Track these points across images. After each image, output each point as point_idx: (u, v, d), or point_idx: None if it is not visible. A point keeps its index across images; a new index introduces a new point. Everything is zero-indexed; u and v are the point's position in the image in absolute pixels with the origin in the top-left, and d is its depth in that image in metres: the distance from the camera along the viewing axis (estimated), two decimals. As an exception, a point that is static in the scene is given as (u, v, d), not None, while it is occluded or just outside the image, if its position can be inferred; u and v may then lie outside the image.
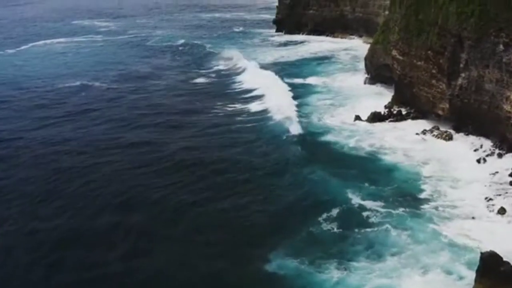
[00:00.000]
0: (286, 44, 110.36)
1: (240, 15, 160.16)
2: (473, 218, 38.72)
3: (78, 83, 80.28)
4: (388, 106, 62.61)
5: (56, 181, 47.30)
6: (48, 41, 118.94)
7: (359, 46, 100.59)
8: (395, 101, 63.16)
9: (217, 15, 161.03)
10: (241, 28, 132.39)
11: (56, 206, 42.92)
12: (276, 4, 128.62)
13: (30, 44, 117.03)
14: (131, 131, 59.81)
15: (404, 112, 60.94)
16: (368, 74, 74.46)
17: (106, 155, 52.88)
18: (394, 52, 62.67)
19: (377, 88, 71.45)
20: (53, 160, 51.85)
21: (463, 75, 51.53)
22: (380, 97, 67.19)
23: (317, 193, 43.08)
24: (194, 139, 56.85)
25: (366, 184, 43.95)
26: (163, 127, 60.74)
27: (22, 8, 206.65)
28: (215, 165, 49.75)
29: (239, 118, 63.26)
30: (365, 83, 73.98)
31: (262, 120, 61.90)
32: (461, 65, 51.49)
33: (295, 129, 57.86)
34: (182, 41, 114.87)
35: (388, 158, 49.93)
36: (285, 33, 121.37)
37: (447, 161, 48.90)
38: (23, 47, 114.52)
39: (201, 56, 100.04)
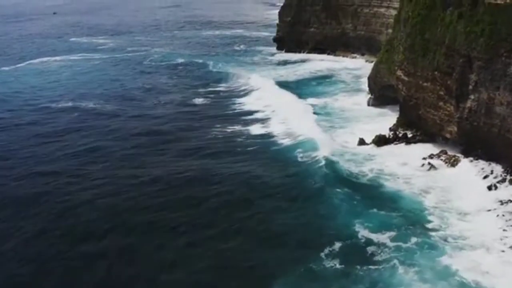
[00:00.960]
0: (286, 62, 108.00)
1: (240, 32, 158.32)
2: (484, 251, 36.28)
3: (70, 103, 77.91)
4: (393, 129, 60.13)
5: (33, 204, 45.71)
6: (44, 59, 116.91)
7: (361, 65, 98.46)
8: (400, 123, 60.71)
9: (217, 32, 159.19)
10: (241, 46, 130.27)
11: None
12: (276, 21, 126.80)
13: (26, 62, 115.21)
14: (121, 155, 57.48)
15: (410, 135, 58.46)
16: (371, 95, 71.98)
17: (91, 177, 51.10)
18: (399, 73, 60.28)
19: (381, 109, 68.97)
20: (31, 182, 50.43)
21: (472, 97, 49.14)
22: (384, 119, 64.82)
23: (319, 224, 40.55)
24: (186, 161, 54.81)
25: (372, 214, 41.44)
26: (157, 150, 58.25)
27: (22, 25, 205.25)
28: (213, 187, 47.92)
29: (239, 140, 60.91)
30: (368, 104, 71.49)
31: (262, 144, 59.52)
32: (470, 87, 49.11)
33: (295, 153, 55.43)
34: (181, 59, 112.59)
35: (393, 185, 47.41)
36: (285, 51, 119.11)
37: (456, 188, 46.50)
38: (19, 65, 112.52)
39: (200, 75, 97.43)
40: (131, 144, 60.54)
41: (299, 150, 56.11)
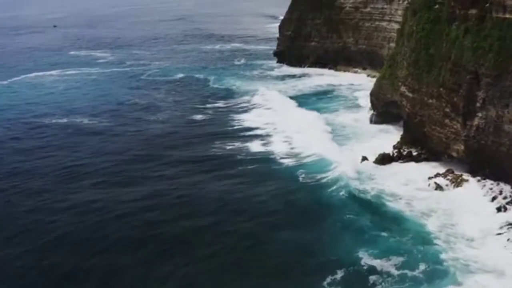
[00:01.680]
0: (286, 77, 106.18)
1: (240, 46, 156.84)
2: (496, 276, 34.33)
3: (65, 119, 75.95)
4: (397, 147, 58.07)
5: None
6: (40, 73, 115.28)
7: (363, 80, 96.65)
8: (405, 141, 58.73)
9: (217, 46, 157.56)
10: (241, 60, 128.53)
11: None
12: (277, 35, 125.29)
13: (22, 76, 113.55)
14: (114, 173, 55.65)
15: (414, 153, 56.40)
16: (374, 111, 69.96)
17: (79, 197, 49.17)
18: (403, 89, 58.44)
19: (384, 126, 66.99)
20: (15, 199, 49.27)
21: (480, 114, 47.34)
22: (387, 136, 62.98)
23: (322, 250, 38.45)
24: (183, 180, 52.97)
25: (376, 239, 39.49)
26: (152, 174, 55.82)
27: (21, 38, 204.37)
28: (211, 209, 46.09)
29: (238, 158, 58.96)
30: (371, 120, 69.49)
31: (262, 162, 57.51)
32: (478, 104, 47.29)
33: (297, 172, 53.47)
34: (180, 74, 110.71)
35: (398, 206, 45.47)
36: (286, 65, 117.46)
37: (464, 210, 44.58)
38: (14, 79, 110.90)
39: (200, 91, 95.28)
40: (125, 163, 58.76)
41: (300, 169, 54.22)
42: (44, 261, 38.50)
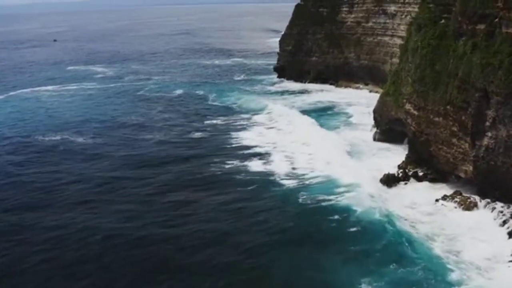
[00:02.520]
0: (287, 93, 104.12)
1: (240, 61, 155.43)
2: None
3: (58, 137, 73.31)
4: (402, 167, 55.74)
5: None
6: (36, 89, 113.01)
7: (365, 95, 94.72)
8: (410, 160, 56.43)
9: (216, 61, 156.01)
10: (242, 76, 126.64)
11: None
12: (277, 50, 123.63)
13: (18, 91, 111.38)
14: (105, 194, 53.14)
15: (420, 173, 54.07)
16: (377, 128, 67.74)
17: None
18: (408, 106, 56.32)
19: (388, 144, 64.69)
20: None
21: (489, 134, 45.15)
22: (391, 155, 60.69)
23: (322, 280, 35.96)
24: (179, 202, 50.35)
25: (382, 268, 36.98)
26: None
27: (20, 52, 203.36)
28: (208, 232, 43.74)
29: (238, 177, 56.50)
30: (374, 138, 67.27)
31: (262, 182, 55.03)
32: (488, 123, 45.12)
33: (298, 194, 51.08)
34: (179, 90, 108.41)
35: (404, 231, 42.96)
36: (286, 80, 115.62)
37: (474, 235, 42.39)
38: (11, 93, 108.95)
39: (198, 107, 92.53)
40: (118, 182, 56.36)
41: (302, 191, 51.85)
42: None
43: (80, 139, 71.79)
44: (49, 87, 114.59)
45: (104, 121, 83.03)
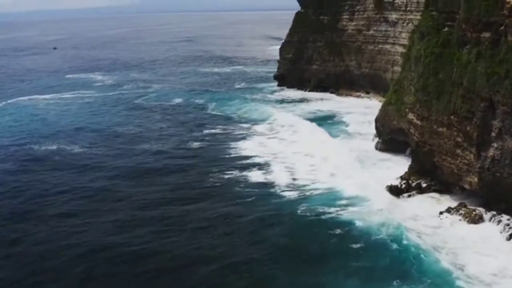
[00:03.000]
0: (287, 101, 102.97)
1: (241, 68, 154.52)
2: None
3: (54, 146, 71.75)
4: (405, 178, 54.42)
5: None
6: (33, 97, 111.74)
7: (366, 104, 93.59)
8: (413, 171, 55.12)
9: (216, 69, 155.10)
10: (242, 84, 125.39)
11: None
12: (277, 58, 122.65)
13: (15, 99, 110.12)
14: (100, 205, 51.85)
15: (423, 184, 52.77)
16: (379, 138, 66.49)
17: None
18: (411, 116, 55.14)
19: (390, 154, 63.34)
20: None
21: (495, 145, 43.98)
22: (393, 165, 59.28)
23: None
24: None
25: (387, 286, 35.46)
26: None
27: (20, 60, 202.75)
28: (205, 247, 42.08)
29: (236, 189, 55.05)
30: (376, 148, 66.01)
31: (261, 194, 53.57)
32: (493, 134, 43.95)
33: (298, 206, 49.69)
34: (178, 99, 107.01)
35: (408, 244, 41.42)
36: (287, 89, 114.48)
37: (479, 249, 41.02)
38: (8, 101, 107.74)
39: (198, 116, 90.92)
40: (113, 192, 55.04)
41: (302, 202, 50.49)
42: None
43: (75, 149, 70.24)
44: (47, 95, 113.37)
45: (100, 130, 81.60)
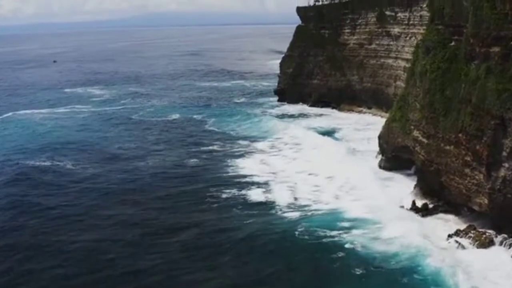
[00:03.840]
0: (288, 116, 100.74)
1: (241, 83, 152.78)
2: None
3: (48, 162, 69.55)
4: (411, 198, 52.03)
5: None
6: (29, 111, 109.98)
7: (368, 120, 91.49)
8: (419, 191, 52.78)
9: (216, 83, 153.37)
10: (242, 99, 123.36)
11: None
12: (277, 72, 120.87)
13: (11, 113, 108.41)
14: (92, 226, 49.63)
15: (430, 205, 50.44)
16: (382, 156, 64.22)
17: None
18: (416, 133, 53.03)
19: (394, 173, 61.01)
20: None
21: (506, 165, 42.05)
22: (398, 185, 56.97)
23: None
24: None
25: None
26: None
27: (18, 74, 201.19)
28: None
29: (235, 211, 52.49)
30: (380, 166, 63.74)
31: (261, 216, 51.11)
32: (504, 153, 42.00)
33: (298, 227, 47.36)
34: (175, 114, 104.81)
35: (417, 270, 39.21)
36: (287, 104, 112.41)
37: (491, 276, 38.65)
38: (4, 116, 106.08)
39: (195, 133, 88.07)
40: (107, 210, 52.96)
41: (301, 223, 48.22)
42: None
43: (69, 165, 68.07)
44: (42, 110, 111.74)
45: (94, 147, 79.53)
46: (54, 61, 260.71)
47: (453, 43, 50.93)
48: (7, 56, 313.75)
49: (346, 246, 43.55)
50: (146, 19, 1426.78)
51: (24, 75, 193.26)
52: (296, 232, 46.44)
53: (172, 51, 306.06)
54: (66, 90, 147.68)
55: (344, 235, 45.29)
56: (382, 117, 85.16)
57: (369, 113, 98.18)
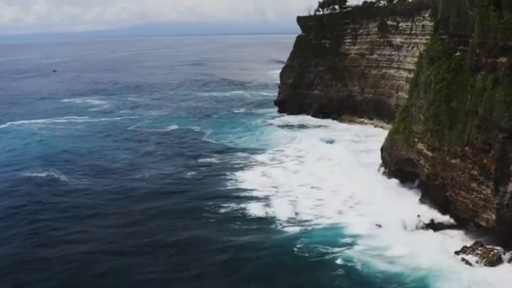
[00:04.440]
0: (288, 128, 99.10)
1: (241, 93, 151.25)
2: None
3: (44, 174, 68.08)
4: (415, 213, 50.35)
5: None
6: (26, 121, 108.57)
7: (369, 132, 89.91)
8: (424, 206, 51.16)
9: (215, 93, 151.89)
10: (241, 109, 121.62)
11: None
12: (277, 81, 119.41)
13: (8, 123, 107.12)
14: (85, 243, 47.92)
15: (435, 220, 48.78)
16: (385, 168, 62.58)
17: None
18: (420, 146, 51.50)
19: (397, 186, 59.28)
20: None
21: (515, 180, 40.17)
22: (402, 199, 55.20)
23: None
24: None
25: None
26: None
27: (17, 84, 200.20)
28: None
29: (233, 226, 50.93)
30: (382, 179, 61.97)
31: (261, 231, 49.60)
32: (513, 168, 40.19)
33: (298, 242, 45.96)
34: (173, 125, 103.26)
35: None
36: (287, 115, 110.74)
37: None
38: (1, 126, 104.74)
39: (193, 145, 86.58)
40: (101, 225, 51.49)
41: (302, 238, 46.79)
42: None
43: (64, 178, 66.55)
44: (40, 120, 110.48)
45: (90, 158, 78.11)
46: (54, 71, 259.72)
47: (458, 53, 49.53)
48: (7, 65, 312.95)
49: (347, 264, 42.01)
50: (146, 29, 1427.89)
51: (23, 85, 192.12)
52: (295, 249, 44.89)
53: (172, 61, 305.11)
54: (65, 100, 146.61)
55: (346, 252, 43.77)
56: (384, 128, 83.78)
57: (371, 124, 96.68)
